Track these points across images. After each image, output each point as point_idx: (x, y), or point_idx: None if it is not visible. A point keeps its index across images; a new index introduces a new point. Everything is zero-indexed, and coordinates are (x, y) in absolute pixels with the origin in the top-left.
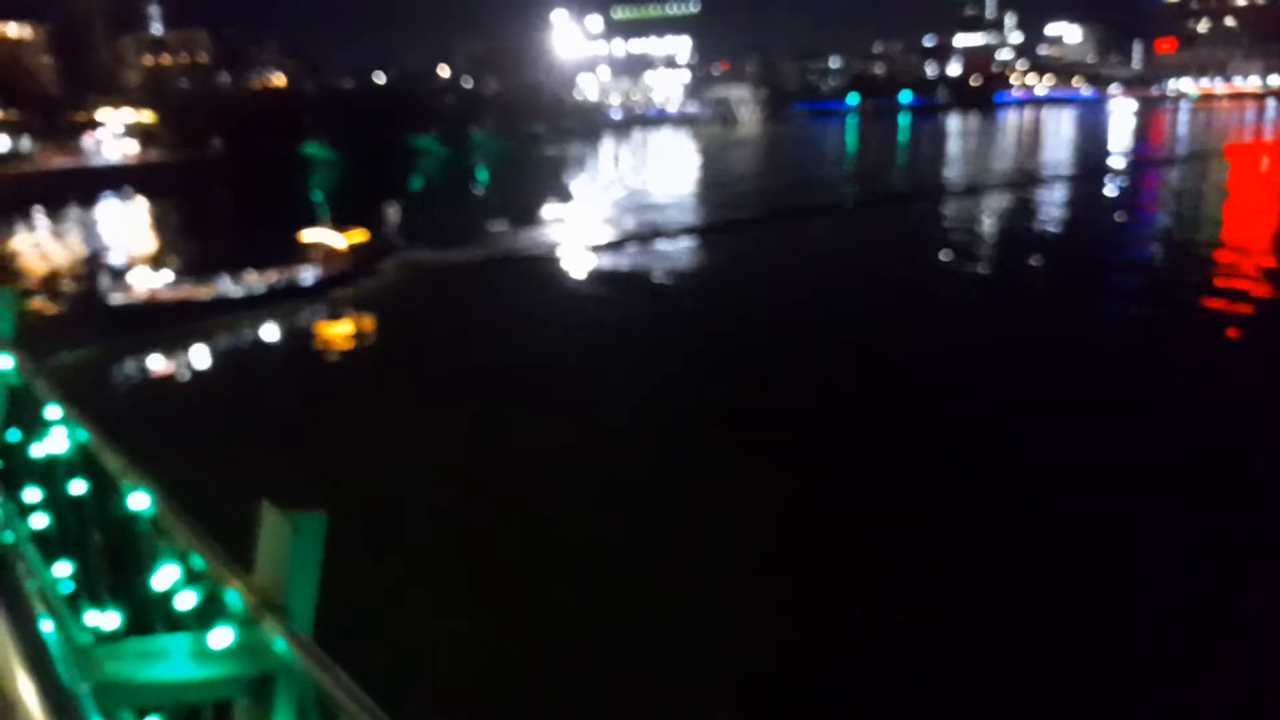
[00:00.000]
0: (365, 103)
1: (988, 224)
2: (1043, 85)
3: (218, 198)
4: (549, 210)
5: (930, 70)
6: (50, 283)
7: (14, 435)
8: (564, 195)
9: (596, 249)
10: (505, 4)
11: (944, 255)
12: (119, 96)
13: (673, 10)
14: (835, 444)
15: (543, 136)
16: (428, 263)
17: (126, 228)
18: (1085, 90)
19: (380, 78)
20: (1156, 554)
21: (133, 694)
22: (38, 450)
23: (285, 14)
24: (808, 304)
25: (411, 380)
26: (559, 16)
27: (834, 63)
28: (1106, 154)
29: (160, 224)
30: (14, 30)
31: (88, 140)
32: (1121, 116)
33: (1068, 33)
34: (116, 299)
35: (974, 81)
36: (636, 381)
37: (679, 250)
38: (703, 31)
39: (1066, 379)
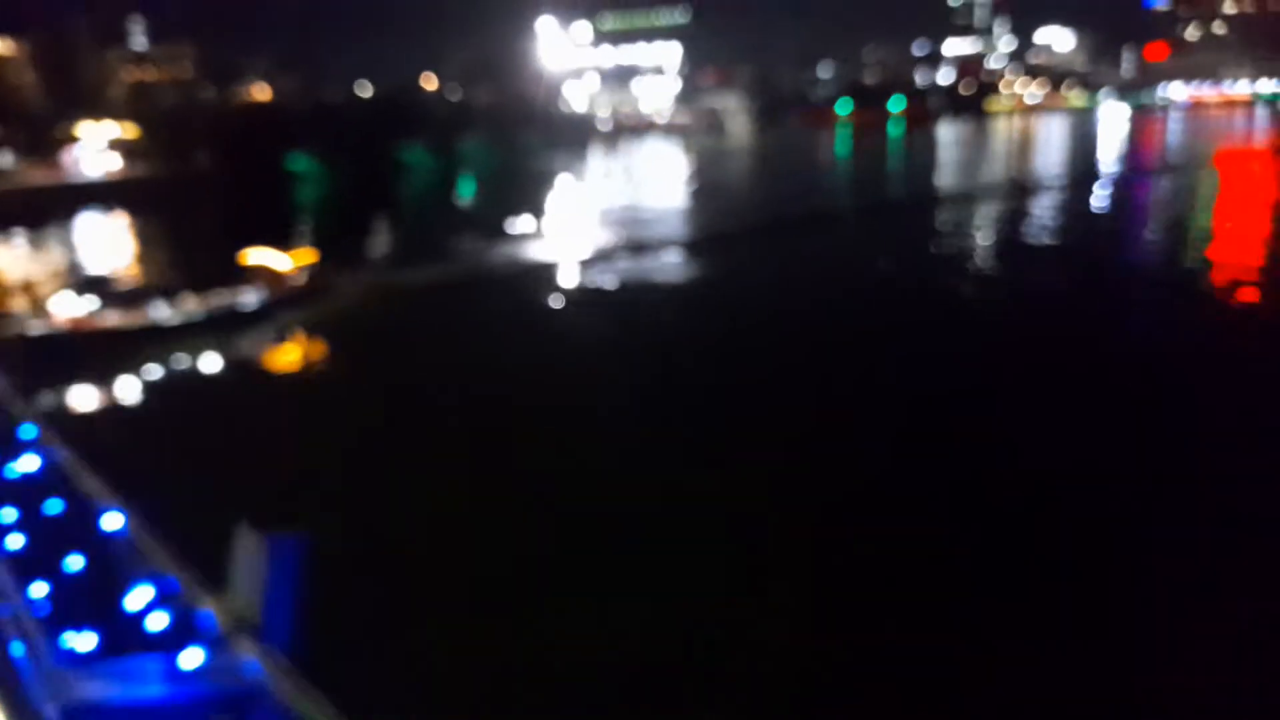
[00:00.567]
0: (353, 114)
1: (979, 234)
2: (1033, 92)
3: (197, 213)
4: (527, 224)
5: (921, 77)
6: None
7: None
8: (544, 208)
9: (573, 265)
10: (494, 14)
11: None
12: (103, 112)
13: (661, 20)
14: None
15: (532, 146)
16: (390, 283)
17: (91, 247)
18: (1077, 98)
19: (368, 89)
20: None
21: (102, 716)
22: (12, 470)
23: (273, 28)
24: (799, 327)
25: (343, 422)
26: (547, 26)
27: (824, 71)
28: (1096, 163)
29: (127, 243)
30: None
31: (69, 156)
32: (1113, 124)
33: (1058, 39)
34: (36, 328)
35: (965, 88)
36: (597, 418)
37: (660, 267)
38: (692, 41)
39: (1066, 382)
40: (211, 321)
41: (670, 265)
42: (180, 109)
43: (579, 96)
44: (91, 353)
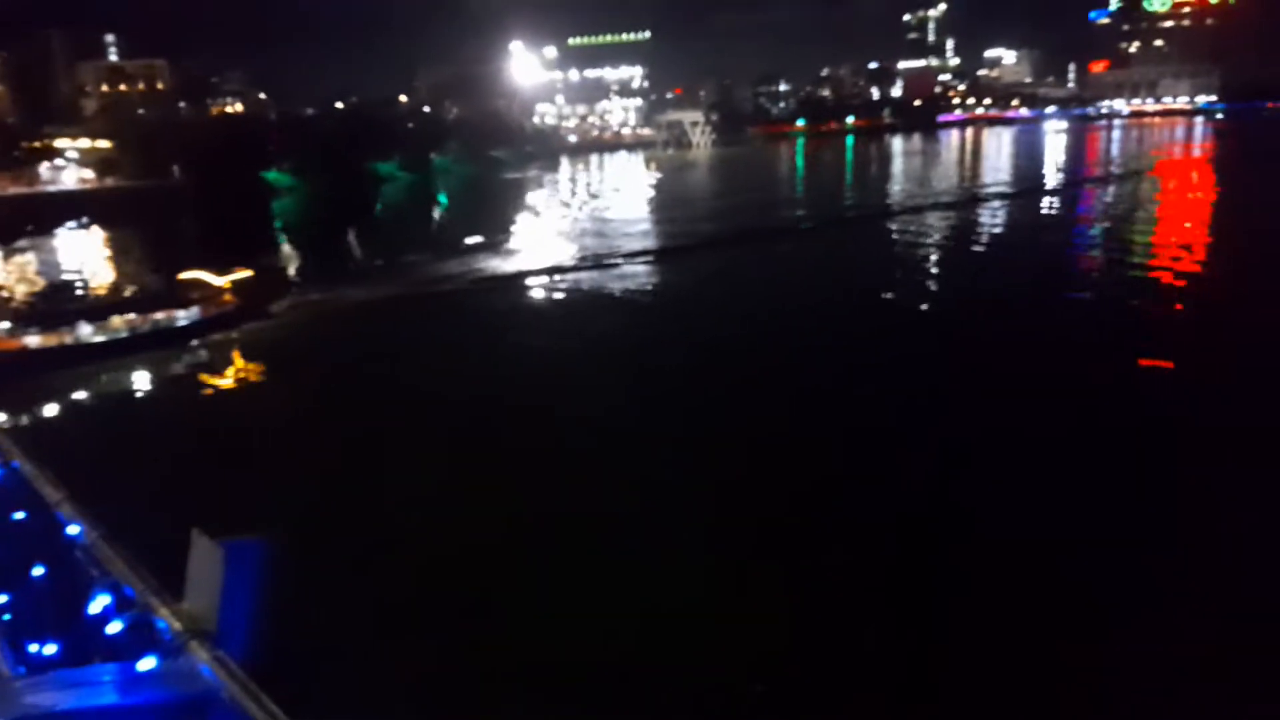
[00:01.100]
0: (328, 129)
1: (927, 241)
2: (982, 106)
3: (166, 226)
4: (489, 236)
5: (875, 93)
6: None
7: None
8: (509, 221)
9: (531, 278)
10: (466, 34)
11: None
12: (77, 125)
13: (626, 37)
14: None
15: (503, 161)
16: (330, 302)
17: (48, 261)
18: (1023, 110)
19: (342, 105)
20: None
21: None
22: None
23: (250, 45)
24: (747, 333)
25: (261, 453)
26: (517, 46)
27: (783, 86)
28: (1042, 173)
29: (85, 257)
30: None
31: (42, 168)
32: (1057, 135)
33: (1005, 56)
34: None
35: (917, 103)
36: (525, 450)
37: (618, 276)
38: (656, 58)
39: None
40: (134, 342)
41: (630, 275)
42: (153, 122)
43: (548, 112)
44: (5, 374)
